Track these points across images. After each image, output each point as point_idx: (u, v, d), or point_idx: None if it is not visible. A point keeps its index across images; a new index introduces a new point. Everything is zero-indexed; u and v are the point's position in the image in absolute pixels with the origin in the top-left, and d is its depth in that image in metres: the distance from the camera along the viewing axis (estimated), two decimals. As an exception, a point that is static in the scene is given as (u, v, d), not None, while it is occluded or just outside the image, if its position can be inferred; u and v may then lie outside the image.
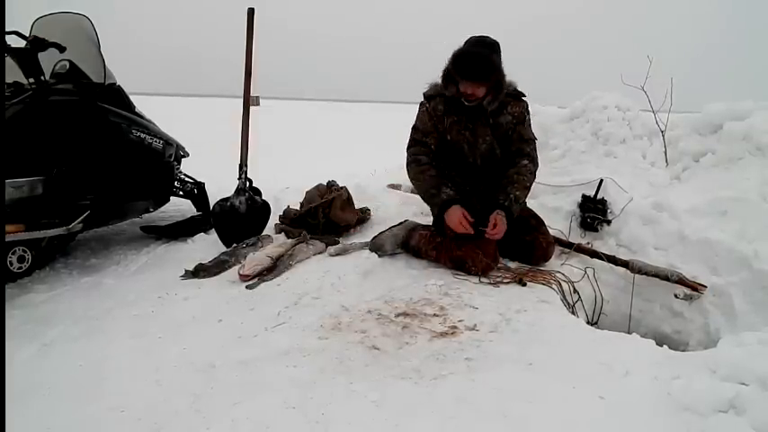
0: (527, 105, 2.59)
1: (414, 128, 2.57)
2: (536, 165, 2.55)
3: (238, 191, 3.06)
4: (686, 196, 2.74)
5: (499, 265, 2.48)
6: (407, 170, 2.58)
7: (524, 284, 2.26)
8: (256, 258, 2.49)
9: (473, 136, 2.48)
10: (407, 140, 2.61)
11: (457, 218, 2.33)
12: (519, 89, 2.54)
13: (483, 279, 2.31)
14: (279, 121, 17.48)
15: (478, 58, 2.34)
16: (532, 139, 2.59)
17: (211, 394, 1.54)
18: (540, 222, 2.55)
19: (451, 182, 2.50)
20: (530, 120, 2.61)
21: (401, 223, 2.69)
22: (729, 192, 2.60)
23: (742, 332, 1.82)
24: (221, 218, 2.98)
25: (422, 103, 2.53)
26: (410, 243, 2.56)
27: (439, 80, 2.48)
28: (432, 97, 2.50)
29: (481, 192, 2.53)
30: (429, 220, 2.74)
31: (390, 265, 2.47)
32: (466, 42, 2.41)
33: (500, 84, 2.42)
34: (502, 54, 2.41)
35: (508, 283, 2.29)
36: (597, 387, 1.50)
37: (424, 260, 2.50)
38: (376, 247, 2.59)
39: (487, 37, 2.40)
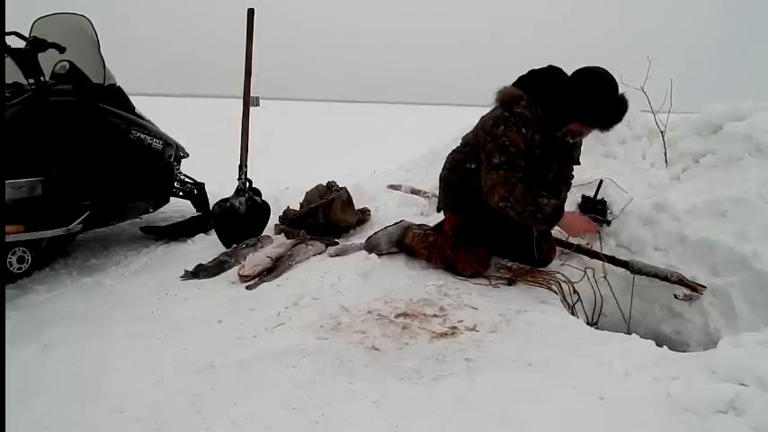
0: None
1: (501, 147, 2.19)
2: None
3: (238, 191, 3.06)
4: (686, 197, 2.74)
5: (499, 266, 2.49)
6: (491, 192, 2.21)
7: (510, 284, 2.27)
8: (256, 259, 2.49)
9: (547, 169, 2.35)
10: (488, 159, 2.23)
11: (580, 224, 2.28)
12: None
13: (477, 281, 2.32)
14: (279, 121, 17.50)
15: (626, 108, 2.17)
16: (579, 162, 2.58)
17: (211, 394, 1.54)
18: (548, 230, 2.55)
19: (477, 197, 2.34)
20: None
21: (397, 223, 2.70)
22: (729, 192, 2.59)
23: (742, 333, 1.82)
24: (221, 218, 2.98)
25: (513, 123, 2.19)
26: (404, 242, 2.57)
27: (515, 91, 2.25)
28: (529, 122, 2.19)
29: (494, 219, 2.39)
30: (428, 221, 2.74)
31: (390, 266, 2.47)
32: (594, 83, 2.13)
33: None
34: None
35: (499, 283, 2.29)
36: (597, 387, 1.50)
37: (423, 260, 2.51)
38: (371, 246, 2.59)
39: (610, 74, 2.15)
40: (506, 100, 2.24)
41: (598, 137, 3.56)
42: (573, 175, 2.63)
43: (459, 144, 2.56)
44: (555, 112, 2.20)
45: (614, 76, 2.15)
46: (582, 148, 2.54)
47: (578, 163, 2.58)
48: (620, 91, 2.17)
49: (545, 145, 2.26)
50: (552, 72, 2.27)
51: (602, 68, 2.17)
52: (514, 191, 2.16)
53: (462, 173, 2.43)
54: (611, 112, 2.14)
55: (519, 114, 2.19)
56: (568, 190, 2.61)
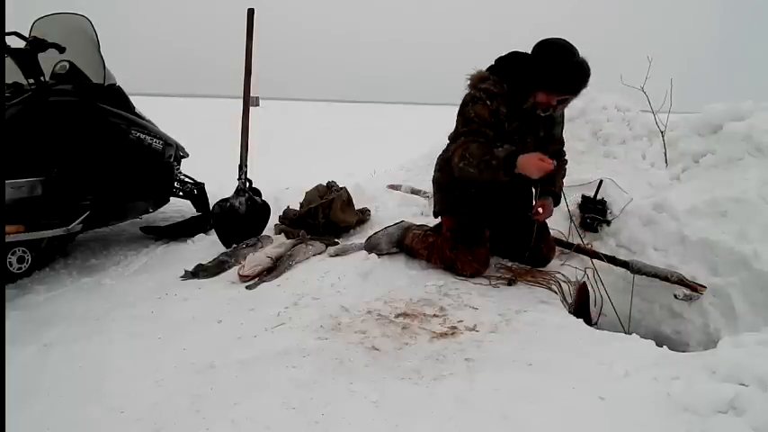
0: None
1: (466, 119, 2.28)
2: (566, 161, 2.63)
3: (238, 191, 3.06)
4: (686, 197, 2.74)
5: (498, 266, 2.49)
6: (452, 158, 2.28)
7: (510, 284, 2.27)
8: (256, 259, 2.49)
9: (522, 141, 2.33)
10: (455, 132, 2.35)
11: (532, 160, 2.11)
12: None
13: (477, 281, 2.32)
14: (279, 121, 17.50)
15: (581, 70, 2.18)
16: (563, 142, 2.59)
17: (211, 395, 1.54)
18: (543, 226, 2.55)
19: (467, 191, 2.40)
20: None
21: (397, 223, 2.70)
22: (729, 192, 2.60)
23: (742, 333, 1.82)
24: (221, 218, 2.98)
25: (478, 98, 2.27)
26: (404, 242, 2.58)
27: (484, 72, 2.33)
28: (494, 95, 2.26)
29: (488, 215, 2.46)
30: (428, 221, 2.74)
31: (390, 266, 2.47)
32: (550, 50, 2.19)
33: None
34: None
35: (499, 283, 2.29)
36: (597, 387, 1.50)
37: (423, 261, 2.51)
38: (371, 246, 2.59)
39: (566, 41, 2.20)
40: (474, 81, 2.33)
41: (598, 136, 3.57)
42: (565, 159, 2.60)
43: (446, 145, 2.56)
44: (519, 84, 2.25)
45: (573, 45, 2.19)
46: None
47: (562, 142, 2.56)
48: (582, 58, 2.19)
49: (515, 119, 2.30)
50: (516, 54, 2.35)
51: (561, 39, 2.21)
52: (470, 147, 2.20)
53: (449, 170, 2.40)
54: (569, 74, 2.17)
55: (484, 89, 2.27)
56: (563, 176, 2.58)
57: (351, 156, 7.66)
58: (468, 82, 2.35)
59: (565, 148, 2.61)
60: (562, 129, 2.56)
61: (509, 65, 2.32)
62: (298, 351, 1.75)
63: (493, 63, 2.38)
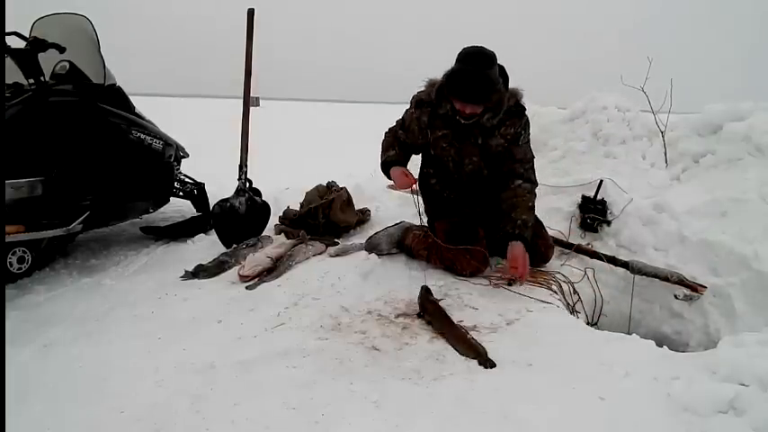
0: (527, 121, 2.38)
1: (401, 120, 2.54)
2: (533, 183, 2.36)
3: (238, 191, 3.06)
4: (686, 197, 2.74)
5: (498, 266, 2.49)
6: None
7: (510, 284, 2.28)
8: (256, 259, 2.49)
9: (458, 155, 2.38)
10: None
11: (398, 173, 2.41)
12: (522, 101, 2.34)
13: (477, 282, 2.32)
14: (279, 121, 17.49)
15: (476, 79, 2.11)
16: (528, 159, 2.39)
17: (211, 395, 1.54)
18: (540, 225, 2.56)
19: (443, 198, 2.55)
20: (527, 136, 2.40)
21: (397, 224, 2.70)
22: (729, 192, 2.60)
23: (742, 333, 1.82)
24: (221, 218, 2.98)
25: (411, 103, 2.46)
26: (404, 243, 2.58)
27: (438, 79, 2.30)
28: (421, 103, 2.38)
29: (479, 214, 2.50)
30: (427, 221, 2.74)
31: (390, 266, 2.47)
32: (460, 56, 2.16)
33: (500, 102, 2.23)
34: (498, 63, 2.19)
35: (499, 283, 2.29)
36: (597, 388, 1.50)
37: (423, 261, 2.51)
38: (371, 246, 2.60)
39: (483, 48, 2.15)
40: (424, 85, 2.43)
41: (598, 137, 3.57)
42: (527, 174, 2.35)
43: None
44: (440, 92, 2.30)
45: (484, 53, 2.12)
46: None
47: (525, 161, 2.36)
48: (486, 71, 2.12)
49: (438, 128, 2.38)
50: None
51: (479, 47, 2.16)
52: (384, 140, 2.52)
53: (427, 180, 2.59)
54: (466, 83, 2.13)
55: (418, 95, 2.43)
56: (529, 206, 2.30)
57: (351, 156, 7.64)
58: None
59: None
60: (525, 144, 2.39)
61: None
62: (298, 351, 1.75)
63: None
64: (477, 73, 2.11)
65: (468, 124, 2.28)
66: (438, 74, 2.32)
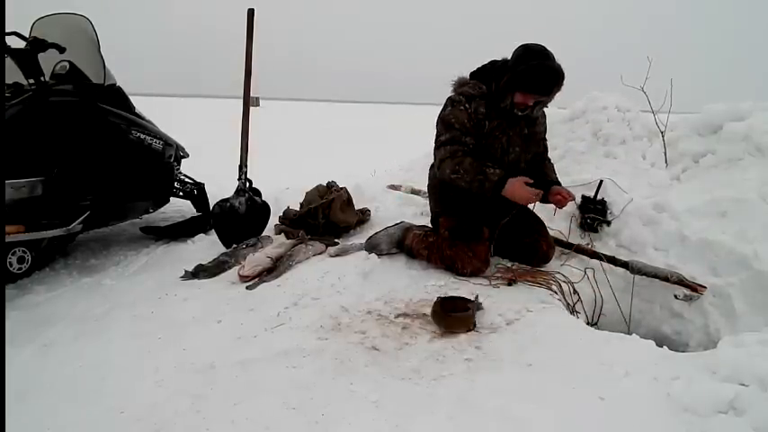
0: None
1: (447, 125, 2.41)
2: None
3: (238, 191, 3.06)
4: (686, 197, 2.74)
5: (498, 266, 2.49)
6: (441, 167, 2.41)
7: (510, 284, 2.28)
8: (256, 259, 2.49)
9: (508, 143, 2.46)
10: (437, 138, 2.46)
11: (519, 186, 2.29)
12: None
13: (477, 282, 2.32)
14: (279, 121, 17.50)
15: (554, 73, 2.30)
16: (547, 147, 2.73)
17: (211, 395, 1.54)
18: (541, 225, 2.56)
19: (460, 192, 2.43)
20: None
21: (397, 224, 2.70)
22: (729, 192, 2.59)
23: (742, 333, 1.81)
24: (221, 218, 2.98)
25: (457, 101, 2.41)
26: (404, 242, 2.58)
27: (466, 77, 2.47)
28: (472, 98, 2.41)
29: (488, 212, 2.49)
30: (428, 221, 2.74)
31: (390, 266, 2.47)
32: (524, 53, 2.32)
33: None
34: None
35: (499, 283, 2.29)
36: (597, 387, 1.50)
37: (423, 261, 2.51)
38: (371, 246, 2.60)
39: (544, 47, 2.34)
40: (456, 85, 2.48)
41: (598, 137, 3.57)
42: (551, 165, 2.71)
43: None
44: (498, 86, 2.38)
45: (550, 51, 2.32)
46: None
47: (545, 147, 2.70)
48: (557, 63, 2.31)
49: (494, 118, 2.41)
50: (494, 61, 2.49)
51: (539, 44, 2.34)
52: (463, 162, 2.35)
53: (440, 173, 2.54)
54: (542, 77, 2.30)
55: (463, 92, 2.43)
56: (553, 171, 2.68)
57: (351, 156, 7.65)
58: (452, 86, 2.49)
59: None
60: (545, 132, 2.67)
61: (489, 69, 2.46)
62: (298, 351, 1.75)
63: (474, 70, 2.51)
64: (554, 68, 2.30)
65: (520, 115, 2.41)
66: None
